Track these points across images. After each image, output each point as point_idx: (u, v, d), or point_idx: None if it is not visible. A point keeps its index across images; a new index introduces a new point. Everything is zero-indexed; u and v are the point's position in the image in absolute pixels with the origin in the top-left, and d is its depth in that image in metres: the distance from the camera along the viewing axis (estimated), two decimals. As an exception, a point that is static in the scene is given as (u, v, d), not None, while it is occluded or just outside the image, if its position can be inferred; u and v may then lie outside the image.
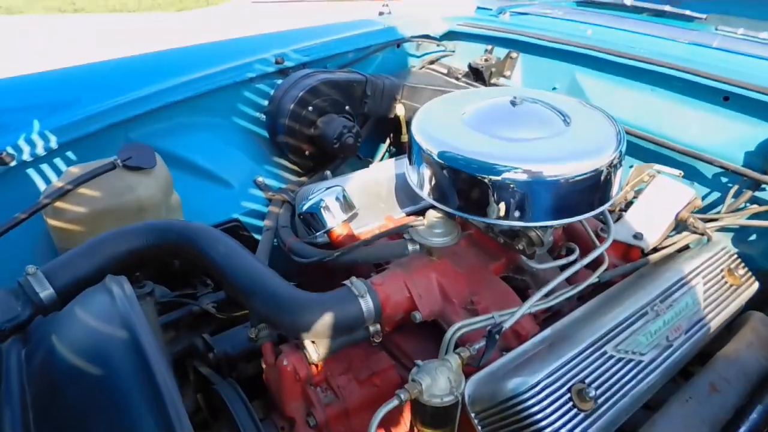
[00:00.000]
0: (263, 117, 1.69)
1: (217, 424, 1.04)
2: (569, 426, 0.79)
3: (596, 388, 0.83)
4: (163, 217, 1.22)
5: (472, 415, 0.83)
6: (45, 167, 1.30)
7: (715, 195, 1.40)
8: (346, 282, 0.94)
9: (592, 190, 0.95)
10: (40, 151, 1.26)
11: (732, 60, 1.44)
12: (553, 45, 1.76)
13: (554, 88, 1.78)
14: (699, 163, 1.40)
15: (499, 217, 0.94)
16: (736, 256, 1.17)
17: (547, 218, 0.95)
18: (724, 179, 1.39)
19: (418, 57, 2.11)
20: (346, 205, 1.23)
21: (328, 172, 1.52)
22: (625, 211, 1.25)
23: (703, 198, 1.39)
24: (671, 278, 1.05)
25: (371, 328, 0.95)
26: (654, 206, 1.22)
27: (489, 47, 1.97)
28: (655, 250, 1.19)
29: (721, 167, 1.35)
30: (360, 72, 1.75)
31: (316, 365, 0.95)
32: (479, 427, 0.82)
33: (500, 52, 1.94)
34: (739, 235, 1.35)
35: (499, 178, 0.91)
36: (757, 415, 0.93)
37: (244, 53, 1.67)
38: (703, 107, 1.46)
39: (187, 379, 1.12)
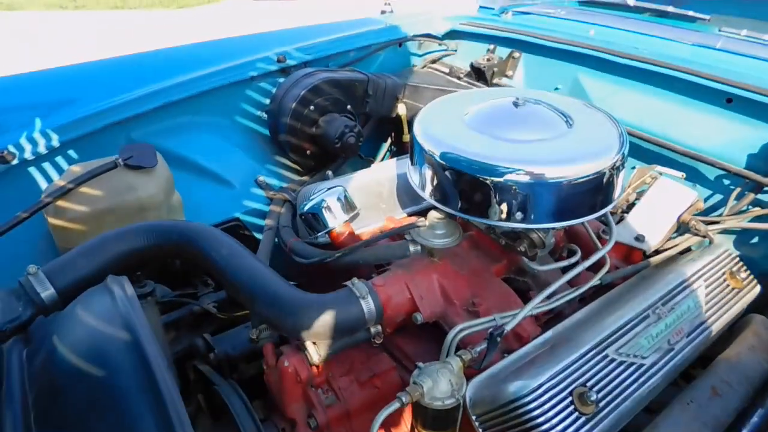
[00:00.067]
0: (265, 116, 1.69)
1: (217, 425, 1.04)
2: (571, 430, 0.79)
3: (598, 392, 0.83)
4: (164, 217, 1.22)
5: (474, 417, 0.83)
6: (46, 166, 1.30)
7: (718, 197, 1.40)
8: (348, 283, 0.94)
9: (595, 192, 0.95)
10: (42, 149, 1.26)
11: (735, 62, 1.44)
12: (555, 45, 1.76)
13: (557, 89, 1.78)
14: (701, 165, 1.39)
15: (500, 219, 0.94)
16: (738, 258, 1.17)
17: (549, 220, 0.95)
18: (726, 181, 1.39)
19: (420, 56, 2.10)
20: (348, 205, 1.23)
21: (329, 172, 1.52)
22: (627, 212, 1.24)
23: (706, 200, 1.38)
24: (673, 281, 1.05)
25: (372, 330, 0.95)
26: (656, 208, 1.22)
27: (491, 47, 1.97)
28: (657, 252, 1.18)
29: (723, 169, 1.34)
30: (362, 71, 1.74)
31: (317, 367, 0.95)
32: (480, 430, 0.82)
33: (502, 51, 1.94)
34: (742, 237, 1.34)
35: (501, 179, 0.91)
36: (758, 419, 0.93)
37: (245, 52, 1.66)
38: (705, 109, 1.45)
39: (187, 380, 1.12)
